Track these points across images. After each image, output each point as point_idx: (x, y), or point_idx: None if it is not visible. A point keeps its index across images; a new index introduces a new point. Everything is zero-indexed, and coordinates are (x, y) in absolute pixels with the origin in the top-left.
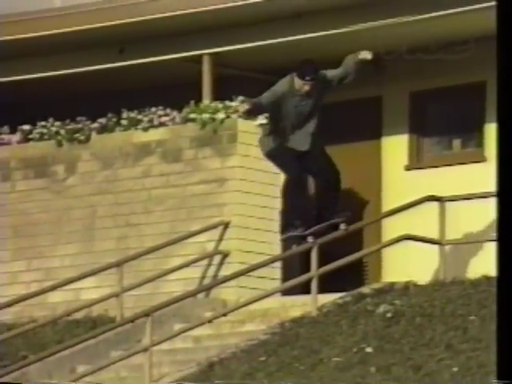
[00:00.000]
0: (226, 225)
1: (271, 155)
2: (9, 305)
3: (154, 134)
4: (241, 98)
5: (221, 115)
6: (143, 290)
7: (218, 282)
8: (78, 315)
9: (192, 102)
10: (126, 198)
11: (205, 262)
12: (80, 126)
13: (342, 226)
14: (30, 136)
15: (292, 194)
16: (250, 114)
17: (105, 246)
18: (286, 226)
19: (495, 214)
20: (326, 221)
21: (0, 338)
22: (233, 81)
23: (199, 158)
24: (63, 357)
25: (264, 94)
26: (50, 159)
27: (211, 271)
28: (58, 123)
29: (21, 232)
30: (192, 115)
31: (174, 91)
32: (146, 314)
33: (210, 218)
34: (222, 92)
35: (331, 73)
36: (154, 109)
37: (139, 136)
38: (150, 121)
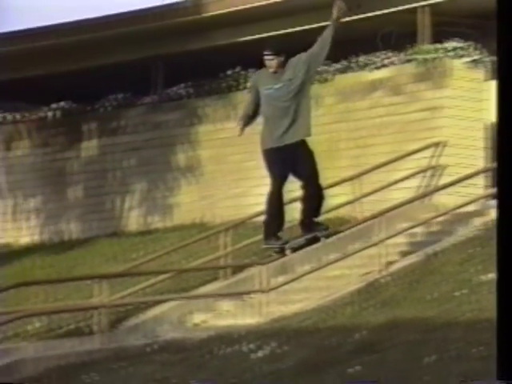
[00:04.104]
0: (441, 144)
1: (265, 156)
2: None
3: (379, 73)
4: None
5: (434, 55)
6: (375, 197)
7: (435, 189)
8: (327, 216)
9: (410, 46)
10: (358, 125)
11: (422, 174)
12: (325, 67)
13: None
14: None
15: (274, 201)
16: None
17: (343, 163)
18: (268, 235)
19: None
20: (310, 226)
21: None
22: (444, 27)
23: (416, 91)
24: (317, 247)
25: None
26: None
27: (427, 182)
28: None
29: None
30: (412, 56)
31: (394, 38)
32: (377, 216)
33: (426, 139)
34: (434, 36)
35: (313, 50)
36: (378, 53)
37: (367, 76)
38: (375, 63)
